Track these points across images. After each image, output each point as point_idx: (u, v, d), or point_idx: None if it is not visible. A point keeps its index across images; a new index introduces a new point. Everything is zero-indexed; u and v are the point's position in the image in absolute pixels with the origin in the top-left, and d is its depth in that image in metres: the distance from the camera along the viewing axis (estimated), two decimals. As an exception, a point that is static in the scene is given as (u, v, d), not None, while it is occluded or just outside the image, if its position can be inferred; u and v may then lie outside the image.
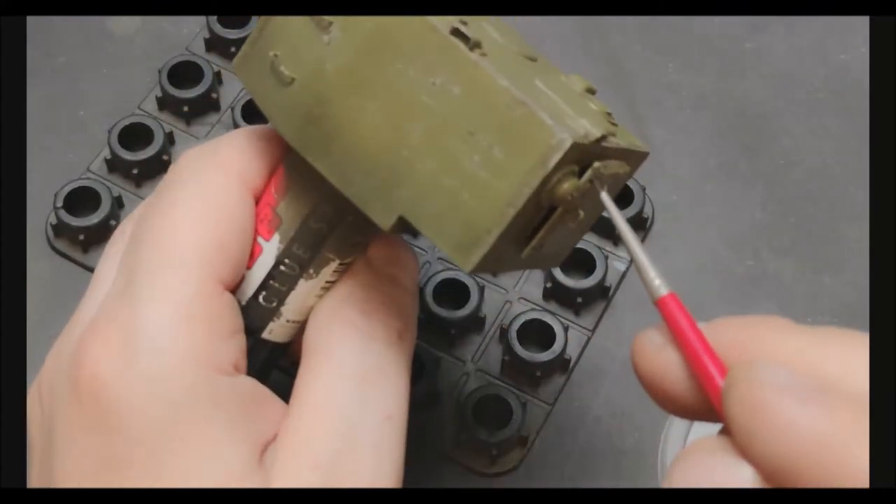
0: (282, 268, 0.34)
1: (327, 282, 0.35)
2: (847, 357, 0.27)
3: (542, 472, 0.44)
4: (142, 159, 0.49)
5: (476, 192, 0.29)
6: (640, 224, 0.49)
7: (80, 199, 0.47)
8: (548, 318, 0.45)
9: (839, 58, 0.54)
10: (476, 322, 0.46)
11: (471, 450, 0.44)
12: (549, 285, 0.47)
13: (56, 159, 0.50)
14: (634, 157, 0.34)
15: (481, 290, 0.46)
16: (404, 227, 0.31)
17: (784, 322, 0.29)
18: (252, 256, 0.34)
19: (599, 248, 0.47)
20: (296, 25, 0.31)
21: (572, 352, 0.46)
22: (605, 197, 0.31)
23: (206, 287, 0.32)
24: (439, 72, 0.29)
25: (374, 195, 0.31)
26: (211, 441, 0.31)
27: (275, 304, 0.35)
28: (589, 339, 0.47)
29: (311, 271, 0.34)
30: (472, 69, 0.29)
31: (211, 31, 0.52)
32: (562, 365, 0.45)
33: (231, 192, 0.34)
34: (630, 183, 0.48)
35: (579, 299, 0.46)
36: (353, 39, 0.30)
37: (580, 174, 0.30)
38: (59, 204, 0.47)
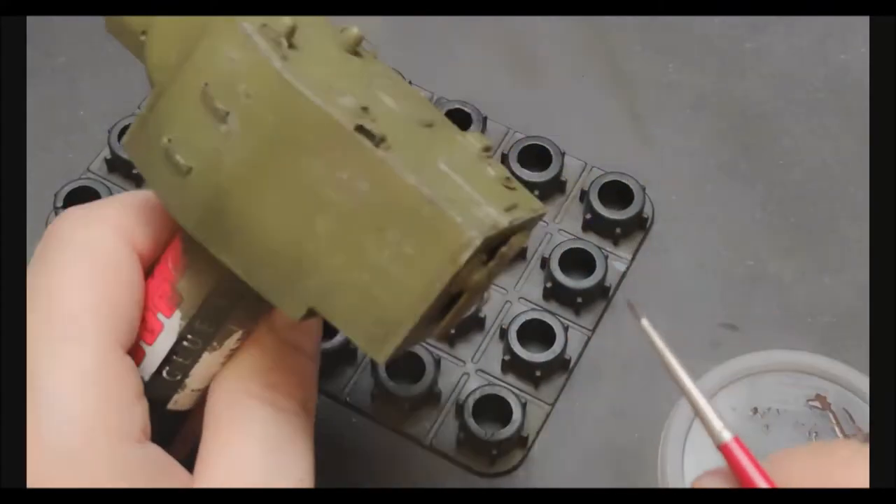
0: (185, 343, 0.34)
1: (231, 350, 0.35)
2: None
3: (542, 472, 0.44)
4: (142, 159, 0.49)
5: (387, 287, 0.29)
6: (640, 224, 0.49)
7: (80, 199, 0.47)
8: (548, 318, 0.45)
9: (839, 58, 0.54)
10: (476, 322, 0.46)
11: (471, 450, 0.44)
12: (549, 285, 0.47)
13: (56, 159, 0.50)
14: (535, 221, 0.34)
15: (481, 290, 0.46)
16: (314, 315, 0.31)
17: (850, 452, 0.28)
18: (152, 333, 0.34)
19: (599, 248, 0.47)
20: (189, 110, 0.30)
21: (572, 352, 0.46)
22: (649, 328, 0.32)
23: (105, 352, 0.32)
24: (345, 168, 0.29)
25: (282, 287, 0.30)
26: None
27: (179, 378, 0.34)
28: (589, 339, 0.47)
29: (215, 343, 0.34)
30: (379, 166, 0.29)
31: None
32: (562, 365, 0.45)
33: (116, 248, 0.33)
34: (630, 183, 0.48)
35: (579, 299, 0.46)
36: (251, 131, 0.29)
37: (489, 257, 0.30)
38: (59, 204, 0.47)
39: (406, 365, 0.45)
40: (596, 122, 0.52)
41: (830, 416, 0.44)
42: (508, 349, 0.45)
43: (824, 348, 0.46)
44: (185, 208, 0.31)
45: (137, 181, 0.49)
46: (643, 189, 0.48)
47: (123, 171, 0.49)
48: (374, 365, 0.44)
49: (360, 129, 0.29)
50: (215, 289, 0.33)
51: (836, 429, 0.44)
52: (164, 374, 0.34)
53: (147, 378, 0.34)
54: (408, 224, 0.29)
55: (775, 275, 0.48)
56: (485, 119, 0.50)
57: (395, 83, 0.35)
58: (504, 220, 0.30)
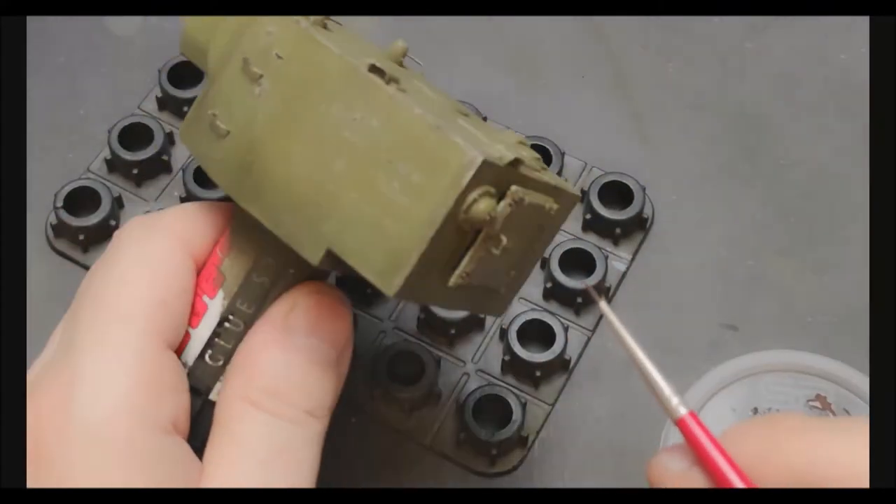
0: (227, 325, 0.35)
1: None
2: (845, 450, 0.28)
3: (542, 472, 0.44)
4: (142, 159, 0.49)
5: (396, 217, 0.30)
6: (641, 224, 0.49)
7: (80, 199, 0.47)
8: (548, 318, 0.45)
9: (839, 58, 0.54)
10: (476, 322, 0.46)
11: (471, 450, 0.44)
12: (549, 285, 0.47)
13: (56, 159, 0.50)
14: (564, 198, 0.35)
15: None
16: (334, 262, 0.32)
17: (798, 422, 0.29)
18: (197, 315, 0.35)
19: (599, 248, 0.47)
20: (231, 82, 0.33)
21: (572, 352, 0.46)
22: (606, 308, 0.33)
23: (147, 343, 0.33)
24: (359, 107, 0.31)
25: (303, 232, 0.32)
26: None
27: (221, 363, 0.35)
28: (589, 339, 0.47)
29: None
30: (388, 101, 0.31)
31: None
32: (562, 365, 0.45)
33: (172, 254, 0.34)
34: (630, 183, 0.48)
35: (579, 299, 0.46)
36: (281, 87, 0.32)
37: (499, 199, 0.31)
38: (59, 204, 0.47)
39: (406, 365, 0.45)
40: (596, 122, 0.52)
41: (830, 416, 0.44)
42: (508, 349, 0.45)
43: (824, 348, 0.46)
44: (222, 169, 0.33)
45: (138, 181, 0.49)
46: (643, 189, 0.48)
47: (123, 172, 0.49)
48: (374, 365, 0.45)
49: (373, 68, 0.31)
50: (255, 265, 0.35)
51: (836, 429, 0.44)
52: (208, 358, 0.35)
53: (191, 363, 0.35)
54: (415, 154, 0.30)
55: (775, 275, 0.48)
56: (484, 119, 0.50)
57: (435, 90, 0.36)
58: (511, 154, 0.31)
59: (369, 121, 0.31)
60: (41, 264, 0.47)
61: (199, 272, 0.35)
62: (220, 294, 0.35)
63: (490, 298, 0.35)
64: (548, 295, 0.47)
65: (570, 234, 0.48)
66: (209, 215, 0.36)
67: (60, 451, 0.31)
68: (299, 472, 0.34)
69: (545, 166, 0.35)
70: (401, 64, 0.35)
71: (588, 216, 0.48)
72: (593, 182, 0.49)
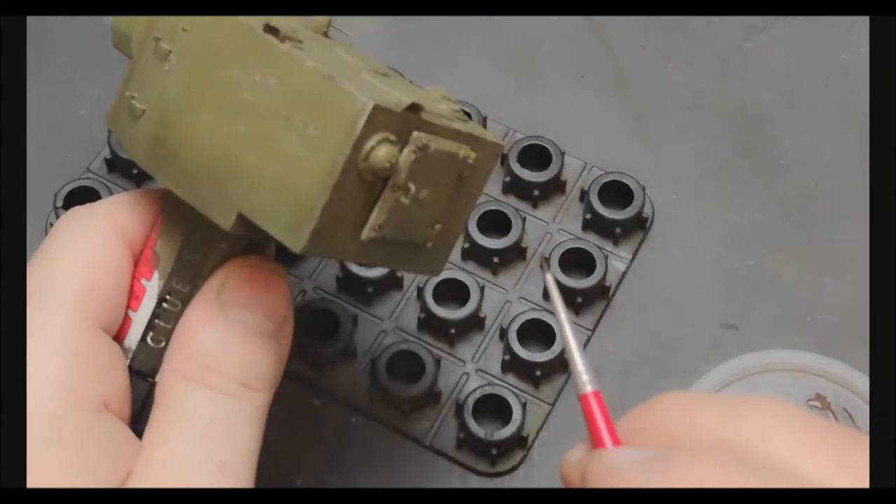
0: (165, 305, 0.35)
1: None
2: (721, 419, 0.29)
3: (542, 472, 0.44)
4: (142, 159, 0.49)
5: (297, 172, 0.30)
6: (641, 224, 0.49)
7: (80, 200, 0.47)
8: (548, 318, 0.45)
9: (839, 58, 0.54)
10: (476, 322, 0.46)
11: (471, 450, 0.44)
12: (549, 285, 0.47)
13: (56, 159, 0.50)
14: (483, 146, 0.34)
15: (481, 290, 0.46)
16: (247, 226, 0.32)
17: (677, 398, 0.30)
18: (137, 298, 0.35)
19: (599, 248, 0.47)
20: (146, 63, 0.33)
21: (572, 352, 0.46)
22: (550, 280, 0.33)
23: (76, 326, 0.33)
24: (257, 68, 0.31)
25: (213, 198, 0.32)
26: (49, 478, 0.31)
27: (163, 345, 0.35)
28: (589, 339, 0.47)
29: None
30: (284, 58, 0.31)
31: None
32: (562, 365, 0.45)
33: (105, 239, 0.35)
34: (630, 183, 0.48)
35: (579, 298, 0.46)
36: (185, 59, 0.32)
37: (403, 142, 0.31)
38: (59, 204, 0.47)
39: (406, 365, 0.45)
40: (596, 122, 0.52)
41: (830, 415, 0.44)
42: (508, 349, 0.45)
43: (824, 348, 0.46)
44: (139, 147, 0.33)
45: (138, 181, 0.49)
46: (643, 189, 0.48)
47: (123, 171, 0.49)
48: (374, 364, 0.45)
49: (268, 27, 0.31)
50: (186, 243, 0.35)
51: (836, 429, 0.44)
52: (149, 340, 0.35)
53: (134, 347, 0.35)
54: (310, 106, 0.30)
55: (775, 275, 0.48)
56: (485, 119, 0.50)
57: (359, 56, 0.36)
58: (408, 99, 0.31)
59: (267, 80, 0.31)
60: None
61: (137, 257, 0.36)
62: (156, 275, 0.35)
63: (418, 255, 0.35)
64: (548, 295, 0.47)
65: (570, 233, 0.48)
66: (145, 201, 0.36)
67: None
68: (240, 446, 0.34)
69: (467, 119, 0.35)
70: (325, 34, 0.36)
71: (588, 216, 0.48)
72: (593, 182, 0.49)
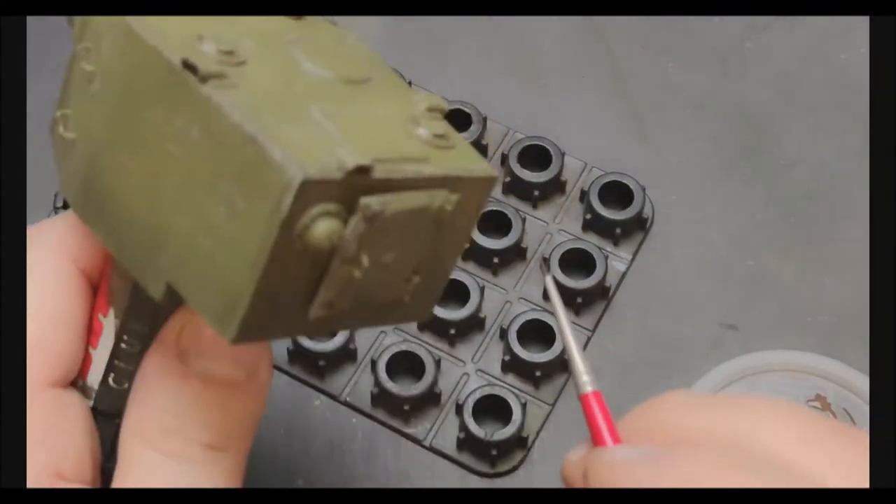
0: (122, 346, 0.31)
1: None
2: (719, 419, 0.29)
3: (542, 472, 0.44)
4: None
5: (227, 251, 0.26)
6: (641, 224, 0.49)
7: None
8: (548, 319, 0.45)
9: (839, 58, 0.54)
10: (476, 322, 0.46)
11: (471, 450, 0.44)
12: (549, 285, 0.47)
13: (56, 159, 0.50)
14: (468, 185, 0.28)
15: (481, 290, 0.46)
16: (178, 299, 0.27)
17: (679, 398, 0.30)
18: (96, 334, 0.31)
19: (599, 248, 0.47)
20: (74, 76, 0.29)
21: (572, 352, 0.46)
22: (550, 283, 0.32)
23: (38, 393, 0.30)
24: (180, 114, 0.26)
25: (144, 262, 0.28)
26: None
27: (126, 386, 0.31)
28: (589, 339, 0.47)
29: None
30: (204, 105, 0.25)
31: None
32: (562, 365, 0.45)
33: (58, 277, 0.31)
34: (630, 183, 0.48)
35: (579, 299, 0.46)
36: (110, 87, 0.28)
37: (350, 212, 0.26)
38: (59, 204, 0.47)
39: (406, 365, 0.45)
40: (596, 122, 0.52)
41: (830, 416, 0.44)
42: (508, 349, 0.45)
43: (824, 348, 0.46)
44: (70, 183, 0.29)
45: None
46: (643, 189, 0.48)
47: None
48: (374, 365, 0.45)
49: (186, 63, 0.26)
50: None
51: (836, 429, 0.44)
52: (111, 381, 0.32)
53: (96, 387, 0.32)
54: (236, 173, 0.25)
55: (775, 275, 0.48)
56: (485, 119, 0.50)
57: (337, 43, 0.32)
58: (351, 161, 0.25)
59: (189, 129, 0.26)
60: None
61: (97, 287, 0.32)
62: (111, 312, 0.31)
63: (394, 310, 0.30)
64: (548, 295, 0.47)
65: (570, 234, 0.48)
66: None
67: None
68: None
69: (454, 140, 0.29)
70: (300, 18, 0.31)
71: (588, 216, 0.48)
72: (593, 182, 0.49)
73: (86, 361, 0.32)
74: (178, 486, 0.29)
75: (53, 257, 0.31)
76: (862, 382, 0.44)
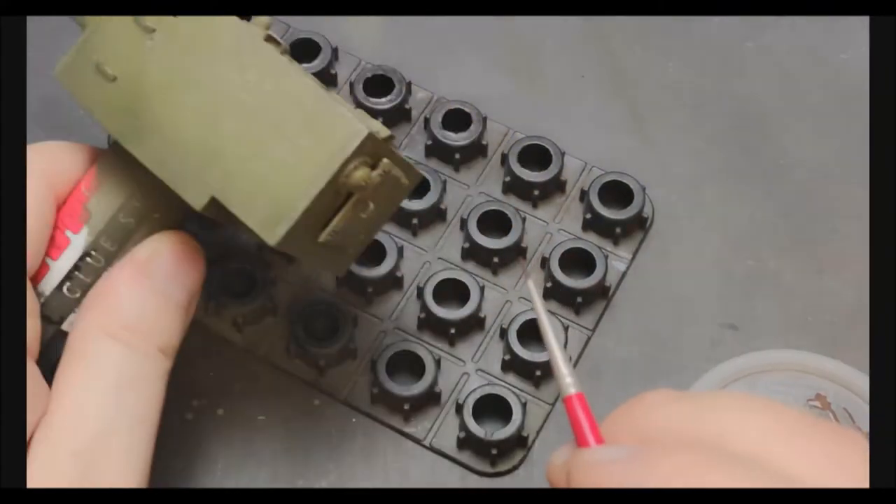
0: (88, 259, 0.37)
1: None
2: (698, 414, 0.29)
3: (542, 472, 0.44)
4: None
5: (284, 174, 0.33)
6: (641, 224, 0.49)
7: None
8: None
9: (840, 58, 0.54)
10: (476, 322, 0.46)
11: (471, 450, 0.44)
12: (549, 285, 0.47)
13: (56, 159, 0.50)
14: (413, 175, 0.37)
15: (481, 290, 0.46)
16: (216, 209, 0.34)
17: (659, 397, 0.31)
18: (58, 248, 0.37)
19: (599, 247, 0.47)
20: (121, 31, 0.35)
21: (572, 352, 0.46)
22: (532, 287, 0.35)
23: None
24: (253, 71, 0.34)
25: (188, 178, 0.34)
26: None
27: (78, 296, 0.37)
28: (589, 338, 0.47)
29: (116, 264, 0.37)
30: (282, 68, 0.34)
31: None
32: (562, 365, 0.45)
33: (31, 188, 0.36)
34: (630, 183, 0.48)
35: (579, 299, 0.46)
36: (175, 43, 0.35)
37: (371, 169, 0.34)
38: (59, 204, 0.47)
39: (406, 365, 0.45)
40: (596, 122, 0.52)
41: (831, 415, 0.44)
42: (508, 349, 0.45)
43: (824, 348, 0.46)
44: (108, 110, 0.35)
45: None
46: (643, 189, 0.48)
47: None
48: (373, 364, 0.45)
49: (269, 38, 0.35)
50: (122, 206, 0.37)
51: (837, 429, 0.44)
52: (65, 289, 0.37)
53: (48, 293, 0.37)
54: (305, 119, 0.33)
55: (775, 274, 0.48)
56: (485, 119, 0.50)
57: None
58: (385, 131, 0.35)
59: (262, 84, 0.34)
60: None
61: (60, 207, 0.37)
62: (85, 230, 0.37)
63: (338, 257, 0.38)
64: (548, 295, 0.47)
65: (570, 233, 0.48)
66: (73, 154, 0.38)
67: None
68: (150, 403, 0.36)
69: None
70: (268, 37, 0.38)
71: (588, 216, 0.48)
72: (593, 182, 0.49)
73: (41, 270, 0.37)
74: (125, 374, 0.35)
75: (33, 178, 0.36)
76: (862, 382, 0.44)
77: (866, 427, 0.43)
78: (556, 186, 0.49)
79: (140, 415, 0.35)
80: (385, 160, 0.35)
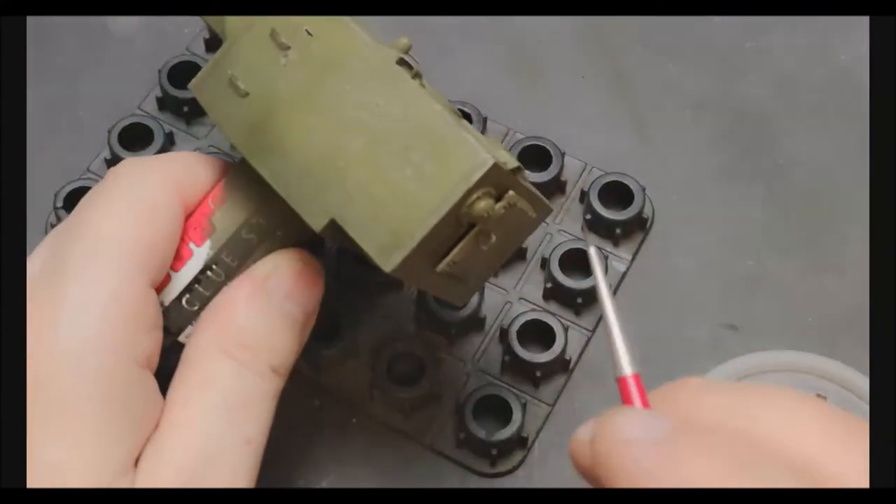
0: (209, 273, 0.36)
1: None
2: (741, 406, 0.28)
3: (542, 472, 0.44)
4: (142, 159, 0.49)
5: (404, 201, 0.32)
6: (641, 224, 0.49)
7: (80, 199, 0.47)
8: (548, 319, 0.45)
9: (840, 58, 0.54)
10: (476, 322, 0.46)
11: (471, 450, 0.44)
12: (549, 285, 0.47)
13: (56, 159, 0.50)
14: (542, 208, 0.37)
15: (481, 290, 0.46)
16: (334, 231, 0.34)
17: (698, 382, 0.29)
18: (181, 260, 0.36)
19: (599, 248, 0.47)
20: (256, 48, 0.35)
21: (572, 352, 0.46)
22: (594, 255, 0.33)
23: (133, 279, 0.34)
24: (382, 94, 0.33)
25: (309, 199, 0.34)
26: (93, 437, 0.32)
27: (196, 308, 0.37)
28: (589, 339, 0.47)
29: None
30: (412, 93, 0.33)
31: (211, 31, 0.52)
32: (562, 365, 0.45)
33: (166, 197, 0.36)
34: (630, 183, 0.48)
35: (579, 299, 0.46)
36: (307, 62, 0.34)
37: (496, 201, 0.33)
38: (59, 204, 0.47)
39: (406, 365, 0.45)
40: (596, 122, 0.52)
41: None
42: (508, 349, 0.45)
43: (825, 348, 0.46)
44: (237, 125, 0.35)
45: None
46: (643, 189, 0.48)
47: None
48: (374, 364, 0.45)
49: (402, 61, 0.34)
50: (246, 222, 0.36)
51: (837, 429, 0.44)
52: (184, 301, 0.37)
53: (167, 304, 0.36)
54: (431, 146, 0.32)
55: (776, 275, 0.48)
56: (485, 119, 0.50)
57: (434, 92, 0.38)
58: (514, 162, 0.34)
59: (390, 108, 0.33)
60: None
61: (187, 219, 0.37)
62: (208, 244, 0.36)
63: (457, 287, 0.37)
64: (548, 295, 0.47)
65: (570, 234, 0.48)
66: (205, 166, 0.37)
67: (43, 370, 0.33)
68: (259, 423, 0.35)
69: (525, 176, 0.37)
70: (403, 61, 0.37)
71: (588, 216, 0.48)
72: (593, 182, 0.48)
73: (163, 280, 0.36)
74: (235, 393, 0.34)
75: (166, 183, 0.36)
76: (863, 383, 0.44)
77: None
78: (556, 187, 0.49)
79: (247, 435, 0.35)
80: (511, 192, 0.34)
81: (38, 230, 0.47)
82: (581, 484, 0.44)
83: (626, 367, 0.30)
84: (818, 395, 0.44)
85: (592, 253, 0.33)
